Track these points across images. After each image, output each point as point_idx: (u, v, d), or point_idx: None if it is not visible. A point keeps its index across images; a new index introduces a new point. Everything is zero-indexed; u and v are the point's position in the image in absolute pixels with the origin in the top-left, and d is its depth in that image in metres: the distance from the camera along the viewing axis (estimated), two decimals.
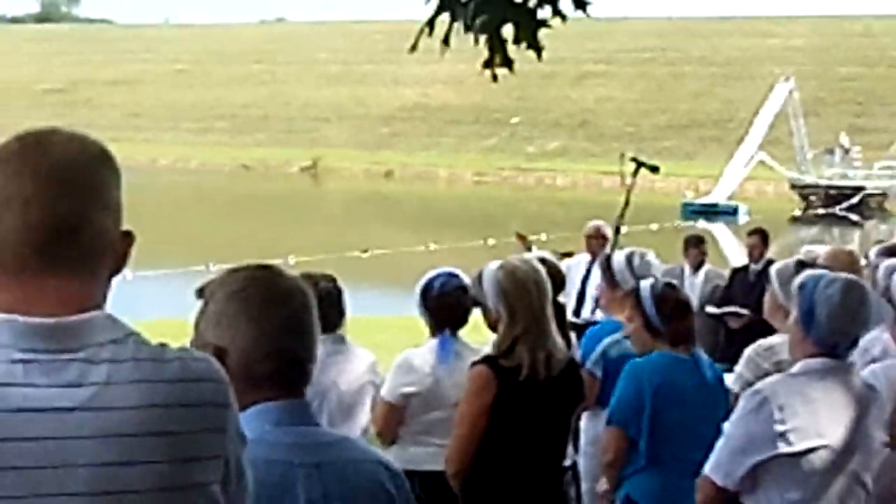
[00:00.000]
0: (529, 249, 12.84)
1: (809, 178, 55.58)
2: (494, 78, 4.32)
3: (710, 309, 13.70)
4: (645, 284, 6.28)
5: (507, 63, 4.74)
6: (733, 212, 44.53)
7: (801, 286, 4.86)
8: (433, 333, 6.91)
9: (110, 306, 2.32)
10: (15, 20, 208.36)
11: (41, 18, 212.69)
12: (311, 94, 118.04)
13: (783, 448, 4.61)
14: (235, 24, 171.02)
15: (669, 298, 6.04)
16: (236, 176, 78.83)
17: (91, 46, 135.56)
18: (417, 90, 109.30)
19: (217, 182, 69.49)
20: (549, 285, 6.08)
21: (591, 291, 11.41)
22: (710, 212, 43.79)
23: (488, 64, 4.55)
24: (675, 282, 6.43)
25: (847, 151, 56.55)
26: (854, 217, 48.51)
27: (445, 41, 4.38)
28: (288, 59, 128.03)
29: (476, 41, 4.46)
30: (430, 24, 4.28)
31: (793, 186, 55.17)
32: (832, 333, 4.73)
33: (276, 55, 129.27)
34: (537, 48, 4.33)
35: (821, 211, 51.44)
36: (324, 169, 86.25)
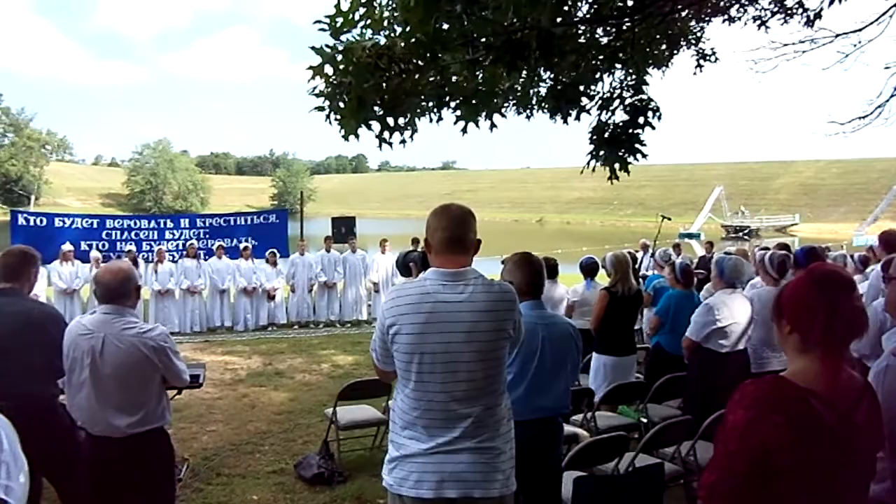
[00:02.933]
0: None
1: (728, 223, 52.49)
2: (616, 178, 3.90)
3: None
4: (678, 262, 5.80)
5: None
6: (698, 236, 42.53)
7: (719, 260, 4.74)
8: (585, 278, 6.61)
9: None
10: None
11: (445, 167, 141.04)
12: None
13: (718, 325, 4.43)
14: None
15: (686, 268, 5.60)
16: (518, 224, 64.15)
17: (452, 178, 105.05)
18: None
19: (508, 227, 58.79)
20: (630, 260, 5.78)
21: (644, 264, 10.78)
22: (689, 235, 41.82)
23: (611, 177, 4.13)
24: (687, 261, 5.90)
25: (744, 213, 53.62)
26: (746, 238, 45.68)
27: (593, 169, 4.06)
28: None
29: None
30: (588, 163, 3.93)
31: (723, 226, 52.13)
32: (730, 278, 4.59)
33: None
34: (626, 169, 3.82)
35: (732, 235, 48.51)
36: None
